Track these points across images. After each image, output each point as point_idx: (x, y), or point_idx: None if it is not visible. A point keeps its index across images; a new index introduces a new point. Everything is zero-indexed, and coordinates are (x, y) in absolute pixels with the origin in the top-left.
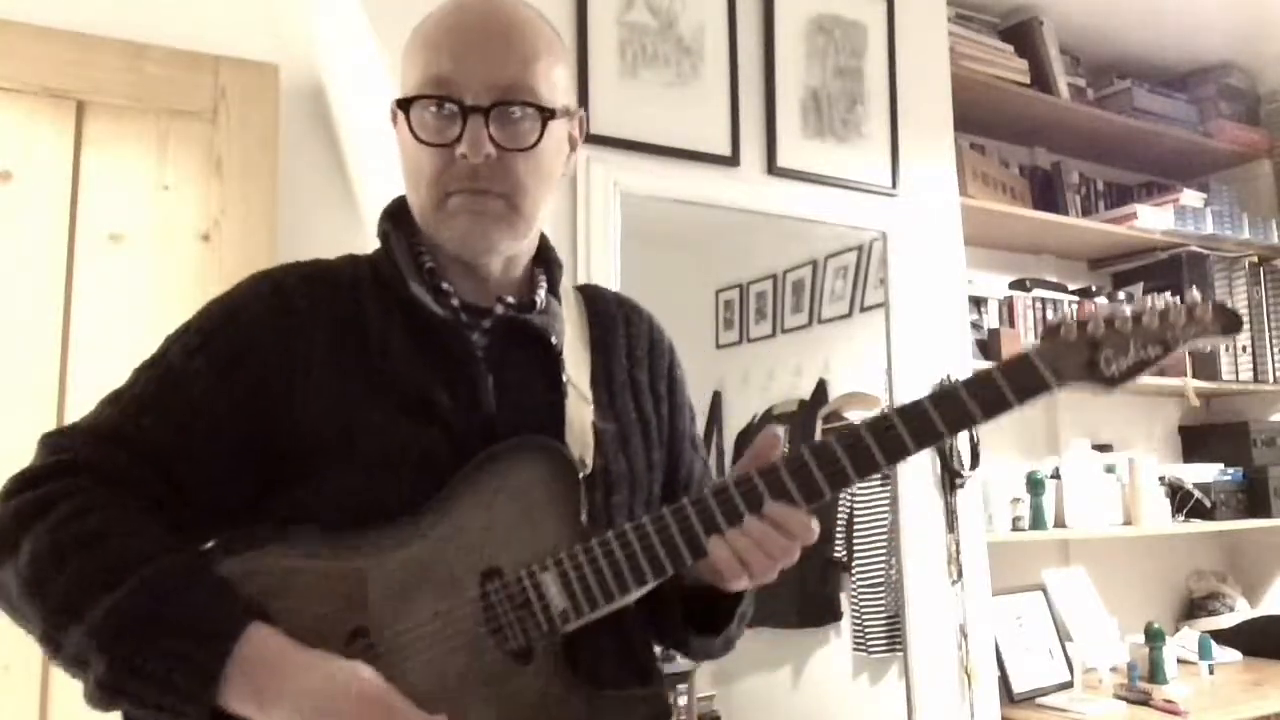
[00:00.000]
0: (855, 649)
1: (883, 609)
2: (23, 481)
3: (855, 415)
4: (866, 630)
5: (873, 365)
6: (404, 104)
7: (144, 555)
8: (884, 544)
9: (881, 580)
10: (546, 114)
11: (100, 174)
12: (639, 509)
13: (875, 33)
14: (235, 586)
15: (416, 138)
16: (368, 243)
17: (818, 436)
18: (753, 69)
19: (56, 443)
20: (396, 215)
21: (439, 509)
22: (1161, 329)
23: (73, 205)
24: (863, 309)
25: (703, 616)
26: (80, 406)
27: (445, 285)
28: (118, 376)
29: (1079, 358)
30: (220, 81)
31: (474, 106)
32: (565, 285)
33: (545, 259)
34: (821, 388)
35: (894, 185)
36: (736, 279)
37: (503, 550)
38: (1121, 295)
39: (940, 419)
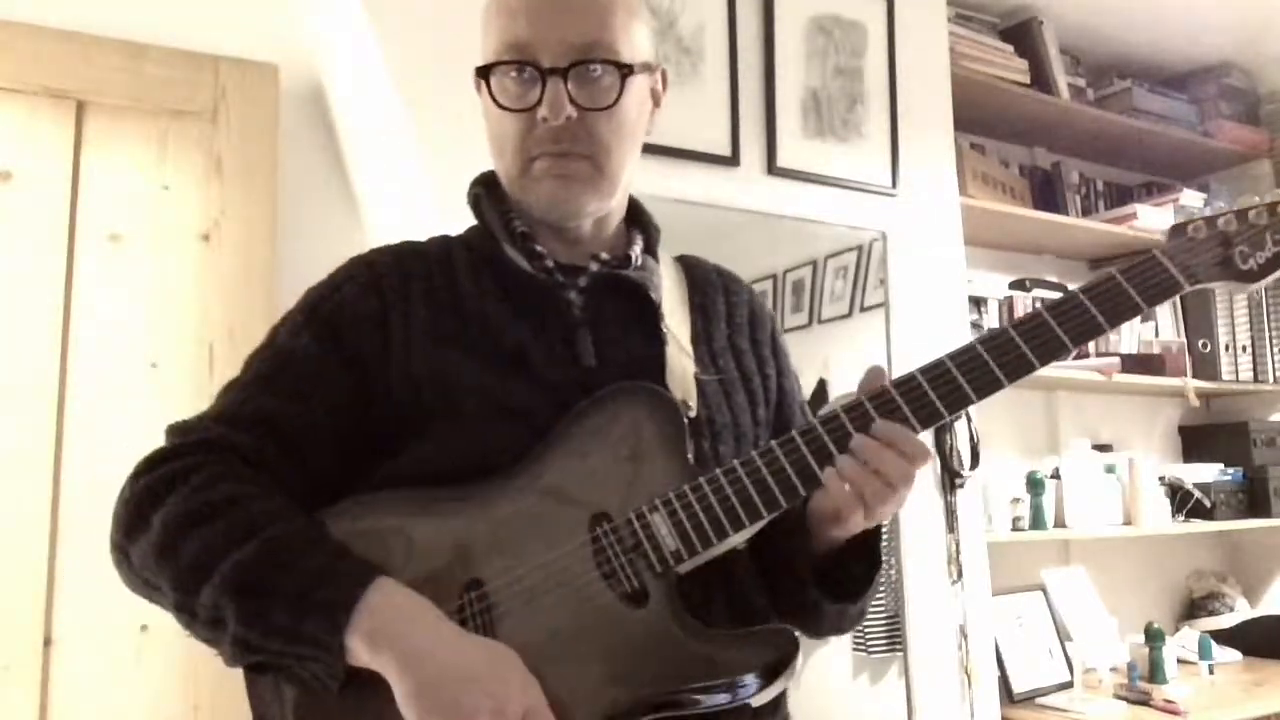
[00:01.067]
0: (855, 649)
1: (883, 609)
2: (152, 462)
3: None
4: (866, 630)
5: None
6: (484, 72)
7: (269, 518)
8: (884, 544)
9: (881, 580)
10: (625, 70)
11: (100, 174)
12: None
13: (875, 33)
14: (350, 547)
15: (498, 104)
16: (367, 243)
17: None
18: (753, 69)
19: (181, 427)
20: (488, 183)
21: (542, 459)
22: None
23: (73, 205)
24: (863, 309)
25: (834, 586)
26: (80, 406)
27: (538, 247)
28: (118, 376)
29: (1211, 255)
30: (220, 81)
31: (552, 68)
32: (664, 254)
33: (640, 221)
34: (821, 388)
35: (894, 185)
36: None
37: (610, 494)
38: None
39: (1064, 331)
